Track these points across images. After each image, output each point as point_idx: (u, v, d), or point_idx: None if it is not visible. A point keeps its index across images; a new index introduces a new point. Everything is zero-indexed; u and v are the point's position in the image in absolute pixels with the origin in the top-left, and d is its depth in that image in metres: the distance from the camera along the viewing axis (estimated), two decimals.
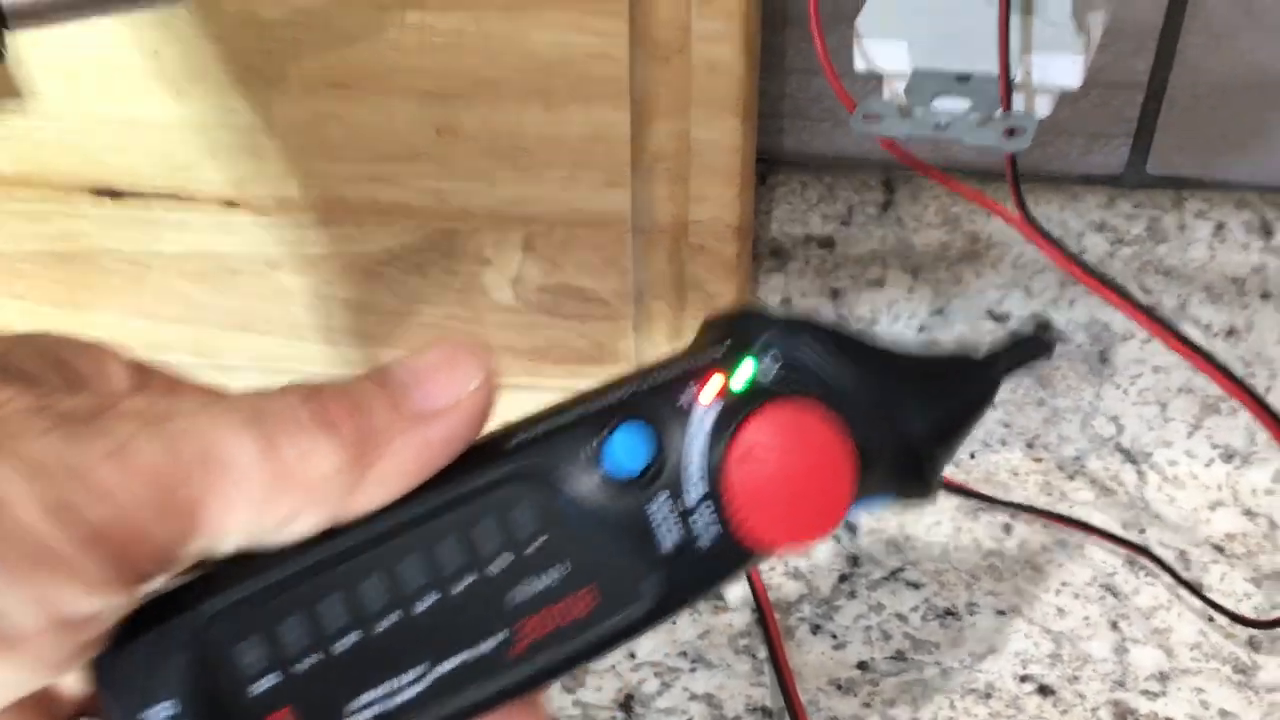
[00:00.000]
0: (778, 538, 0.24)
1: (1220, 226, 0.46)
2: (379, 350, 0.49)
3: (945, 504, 0.49)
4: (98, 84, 0.45)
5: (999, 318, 0.48)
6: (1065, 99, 0.35)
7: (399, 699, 0.23)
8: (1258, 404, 0.33)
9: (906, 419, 0.26)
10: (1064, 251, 0.33)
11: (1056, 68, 0.31)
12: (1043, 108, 0.32)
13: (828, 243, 0.49)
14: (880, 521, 0.48)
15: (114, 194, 0.47)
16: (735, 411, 0.24)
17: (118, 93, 0.45)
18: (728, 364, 0.24)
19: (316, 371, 0.50)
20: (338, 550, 0.22)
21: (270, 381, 0.23)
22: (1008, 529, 0.48)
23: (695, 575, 0.24)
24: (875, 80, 0.35)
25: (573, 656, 0.24)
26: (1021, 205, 0.33)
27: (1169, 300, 0.47)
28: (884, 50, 0.32)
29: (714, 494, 0.24)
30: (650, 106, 0.43)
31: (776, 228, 0.49)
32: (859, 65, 0.33)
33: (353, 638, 0.22)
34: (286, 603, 0.22)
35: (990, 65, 0.30)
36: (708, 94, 0.42)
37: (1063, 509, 0.48)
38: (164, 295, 0.49)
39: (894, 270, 0.48)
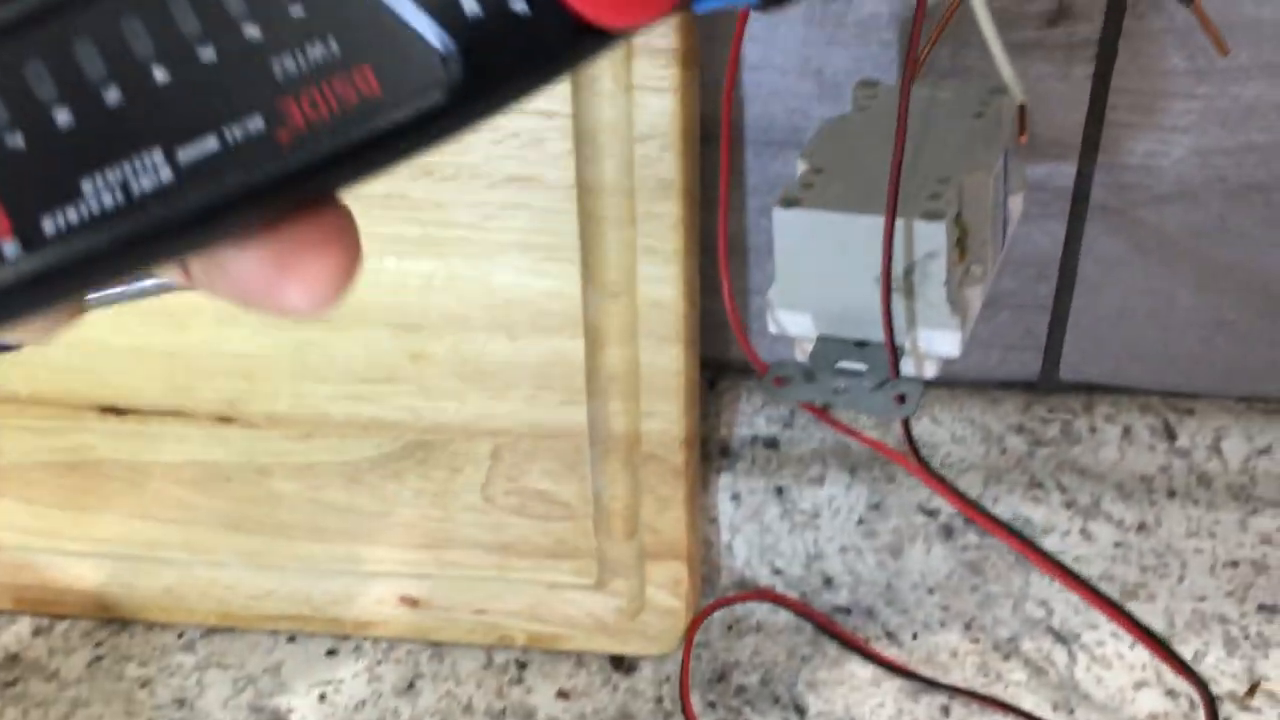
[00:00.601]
0: (607, 8, 0.20)
1: (1128, 430, 0.50)
2: (362, 547, 0.53)
3: (888, 686, 0.53)
4: (109, 318, 0.49)
5: (930, 513, 0.52)
6: (981, 317, 0.40)
7: (141, 185, 0.19)
8: (1122, 616, 0.37)
9: None
10: (955, 491, 0.37)
11: (938, 340, 0.35)
12: (930, 371, 0.36)
13: (772, 443, 0.53)
14: (826, 704, 0.52)
15: (119, 411, 0.52)
16: None
17: (126, 325, 0.50)
18: None
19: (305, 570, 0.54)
20: (37, 7, 0.19)
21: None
22: (946, 710, 0.51)
23: (506, 52, 0.21)
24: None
25: (361, 149, 0.20)
26: (916, 455, 0.37)
27: (1084, 498, 0.51)
28: (793, 319, 0.37)
29: None
30: (602, 336, 0.47)
31: (725, 430, 0.53)
32: (772, 329, 0.38)
33: (65, 115, 0.19)
34: None
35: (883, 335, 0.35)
36: (653, 326, 0.47)
37: (999, 690, 0.52)
38: (162, 499, 0.53)
39: (833, 469, 0.53)
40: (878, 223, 0.33)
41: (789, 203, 0.35)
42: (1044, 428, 0.51)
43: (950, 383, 0.51)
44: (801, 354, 0.38)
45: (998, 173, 0.37)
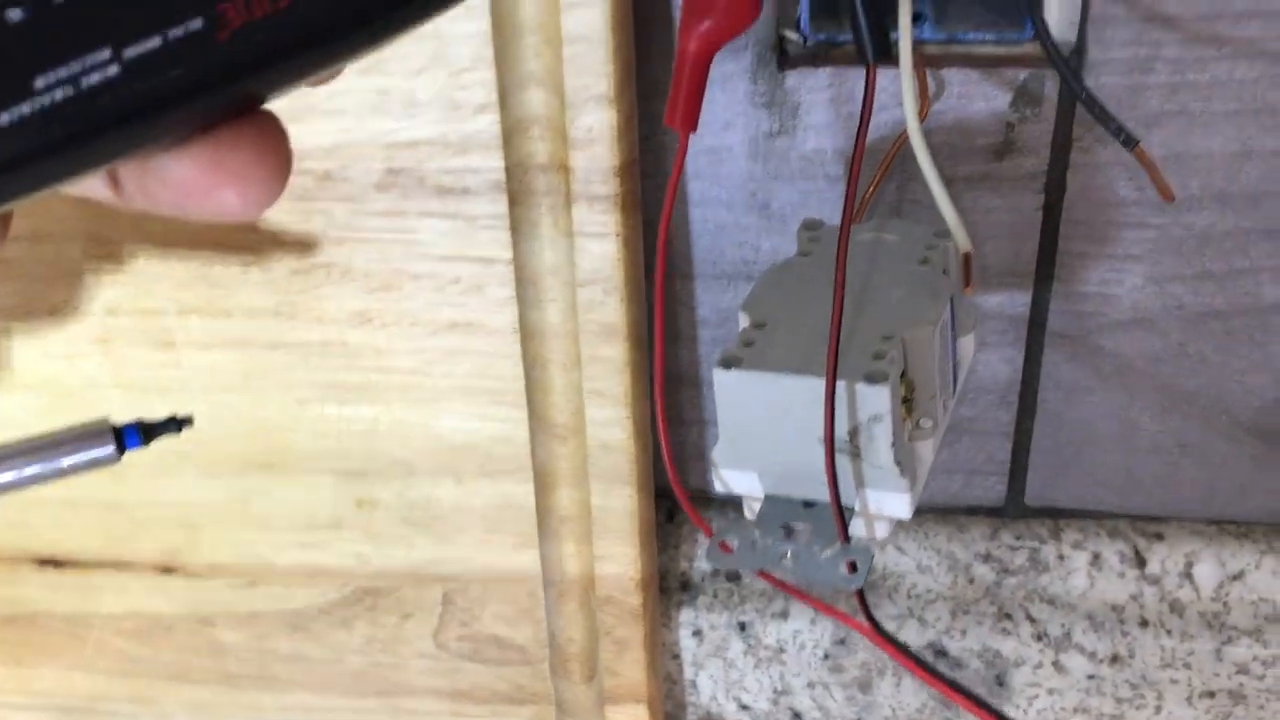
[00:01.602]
0: None
1: (1097, 556, 0.49)
2: (312, 696, 0.51)
3: None
4: None
5: (898, 647, 0.51)
6: (943, 443, 0.39)
7: (90, 80, 0.20)
8: None
9: None
10: (907, 654, 0.36)
11: (887, 502, 0.34)
12: (881, 532, 0.35)
13: (734, 576, 0.51)
14: None
15: (57, 563, 0.50)
16: None
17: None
18: None
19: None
20: None
21: None
22: None
23: None
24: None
25: (292, 50, 0.21)
26: (870, 618, 0.36)
27: (1054, 629, 0.49)
28: (738, 478, 0.36)
29: None
30: (552, 478, 0.46)
31: (685, 563, 0.52)
32: (717, 488, 0.37)
33: (17, 12, 0.20)
34: None
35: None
36: (603, 469, 0.45)
37: None
38: (103, 651, 0.51)
39: (797, 603, 0.51)
40: (819, 385, 0.32)
41: (729, 363, 0.34)
42: (1011, 555, 0.50)
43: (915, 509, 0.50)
44: (750, 511, 0.36)
45: (944, 323, 0.36)
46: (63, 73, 0.20)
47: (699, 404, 0.50)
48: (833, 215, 0.44)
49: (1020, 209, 0.43)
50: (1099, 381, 0.47)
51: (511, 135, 0.40)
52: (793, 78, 0.42)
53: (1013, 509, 0.50)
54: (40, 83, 0.19)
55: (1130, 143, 0.36)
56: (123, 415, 0.47)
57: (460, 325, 0.43)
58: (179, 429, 0.36)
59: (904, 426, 0.35)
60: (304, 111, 0.40)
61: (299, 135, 0.22)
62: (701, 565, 0.52)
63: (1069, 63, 0.40)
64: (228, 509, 0.48)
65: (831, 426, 0.32)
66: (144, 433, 0.36)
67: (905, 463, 0.34)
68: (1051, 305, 0.45)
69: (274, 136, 0.22)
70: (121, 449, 0.36)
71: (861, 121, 0.29)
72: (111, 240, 0.44)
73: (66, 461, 0.36)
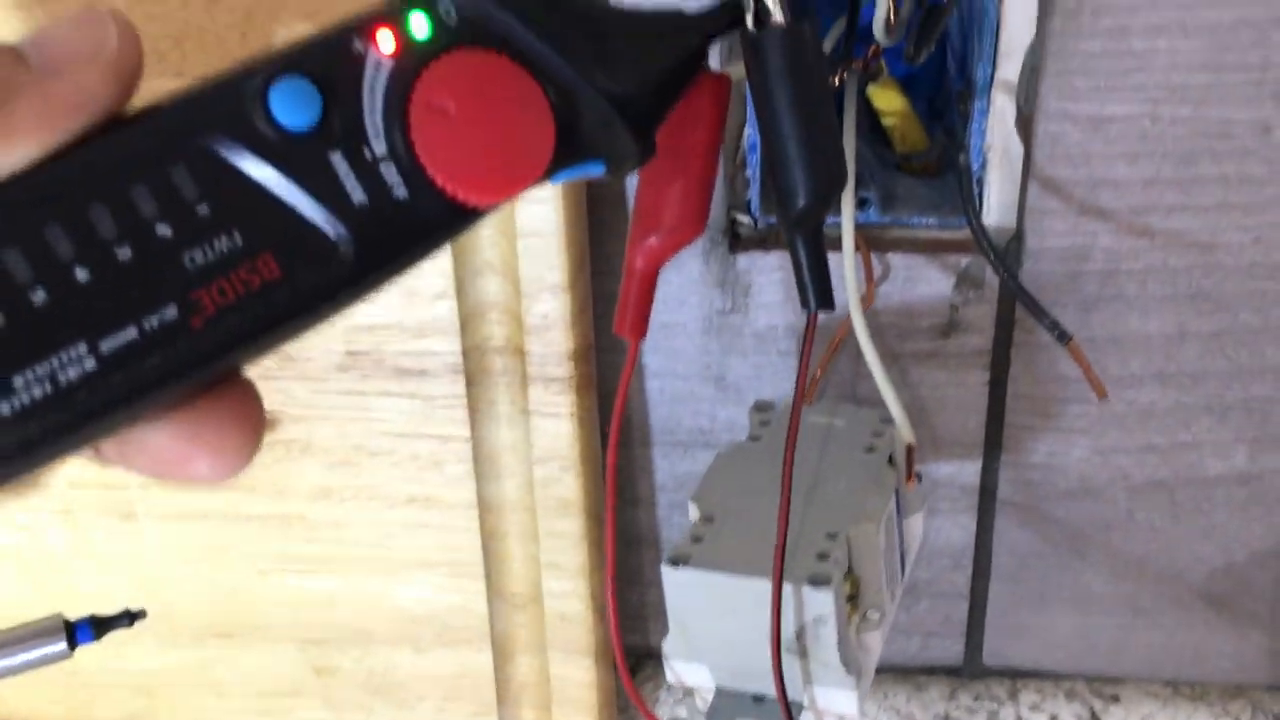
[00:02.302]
0: (472, 190, 0.23)
1: (1054, 718, 0.49)
2: None
3: None
4: None
5: None
6: (900, 605, 0.39)
7: (67, 376, 0.21)
8: None
9: (611, 75, 0.25)
10: None
11: (835, 699, 0.35)
12: None
13: None
14: None
15: None
16: (414, 60, 0.23)
17: None
18: (400, 14, 0.23)
19: None
20: None
21: None
22: None
23: (391, 231, 0.23)
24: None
25: (267, 324, 0.22)
26: None
27: None
28: (689, 670, 0.36)
29: (399, 145, 0.23)
30: (510, 647, 0.46)
31: None
32: (670, 679, 0.37)
33: None
34: None
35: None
36: (562, 639, 0.45)
37: None
38: None
39: None
40: (766, 587, 0.33)
41: (677, 560, 0.35)
42: (969, 716, 0.50)
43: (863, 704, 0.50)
44: (701, 702, 0.37)
45: (889, 516, 0.37)
46: (40, 370, 0.20)
47: (657, 565, 0.50)
48: (785, 387, 0.45)
49: (967, 384, 0.44)
50: (1051, 547, 0.47)
51: (469, 320, 0.41)
52: (744, 259, 0.44)
53: (970, 669, 0.51)
54: (19, 381, 0.20)
55: (1064, 338, 0.38)
56: (84, 585, 0.47)
57: (419, 499, 0.44)
58: (131, 622, 0.36)
59: (850, 622, 0.35)
60: None
61: None
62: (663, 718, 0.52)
63: (1005, 255, 0.42)
64: (187, 676, 0.48)
65: (778, 627, 0.33)
66: (96, 627, 0.36)
67: (851, 661, 0.34)
68: (1001, 474, 0.46)
69: (249, 404, 0.22)
70: (73, 644, 0.36)
71: (802, 360, 0.30)
72: None
73: (19, 659, 0.36)
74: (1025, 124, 0.40)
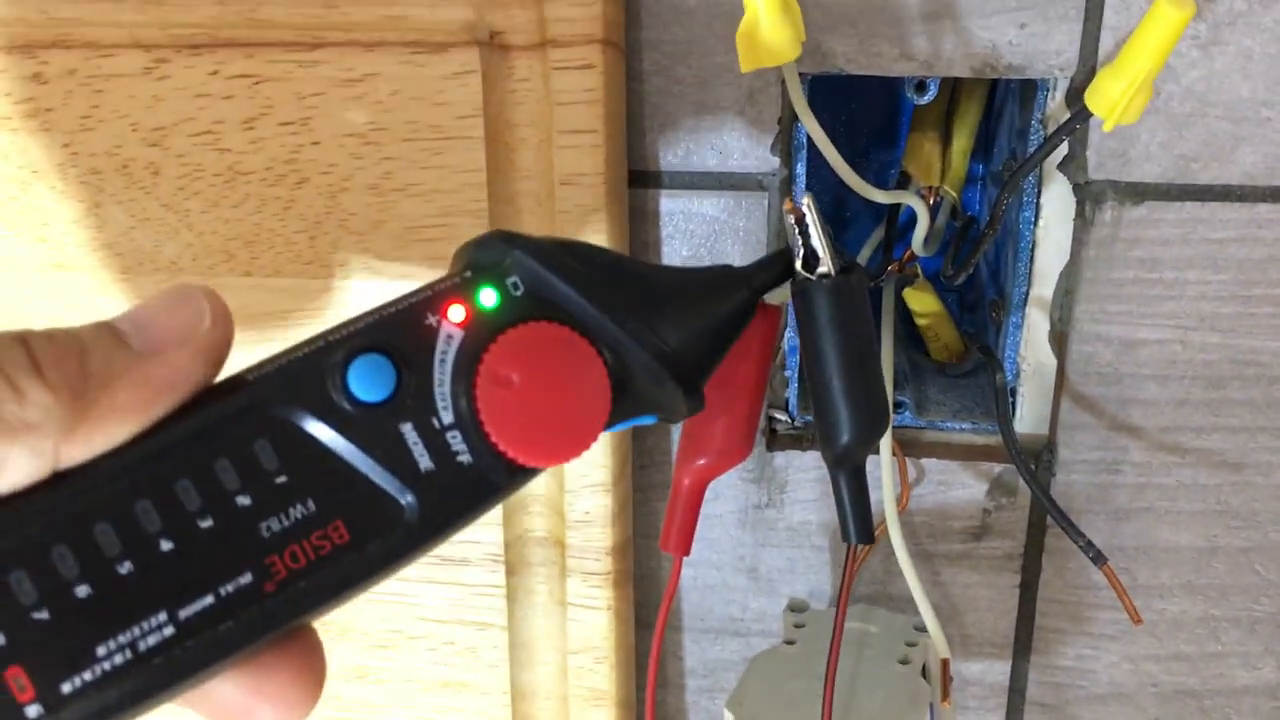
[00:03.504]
0: (534, 456, 0.24)
1: None
2: None
3: None
4: None
5: None
6: None
7: (146, 643, 0.21)
8: None
9: (662, 337, 0.26)
10: None
11: None
12: None
13: None
14: None
15: None
16: (482, 334, 0.24)
17: None
18: (470, 288, 0.25)
19: None
20: (64, 497, 0.21)
21: None
22: None
23: (455, 496, 0.24)
24: None
25: (335, 586, 0.23)
26: None
27: None
28: None
29: (466, 414, 0.24)
30: None
31: None
32: None
33: (84, 589, 0.21)
34: (10, 556, 0.21)
35: None
36: None
37: None
38: None
39: None
40: None
41: None
42: None
43: None
44: None
45: None
46: (123, 639, 0.21)
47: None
48: (817, 580, 0.46)
49: (998, 586, 0.45)
50: (1083, 693, 0.47)
51: (513, 512, 0.42)
52: (780, 457, 0.45)
53: None
54: (101, 650, 0.21)
55: (1099, 560, 0.38)
56: None
57: (453, 684, 0.44)
58: None
59: None
60: None
61: None
62: None
63: (1038, 463, 0.43)
64: None
65: None
66: None
67: None
68: (1030, 675, 0.46)
69: (312, 656, 0.23)
70: None
71: (842, 592, 0.31)
72: None
73: None
74: (1059, 340, 0.42)
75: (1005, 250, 0.44)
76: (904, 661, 0.39)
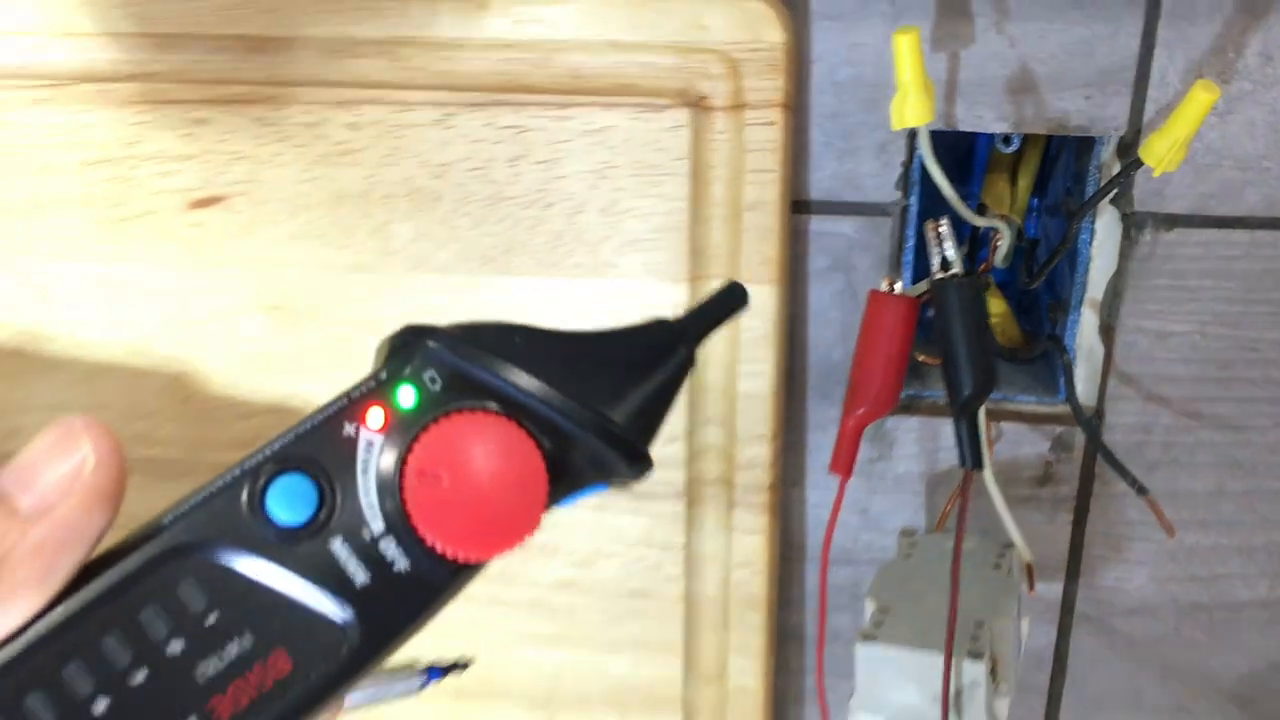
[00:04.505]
0: (475, 548, 0.23)
1: None
2: None
3: None
4: None
5: None
6: None
7: None
8: None
9: (595, 407, 0.25)
10: None
11: None
12: None
13: None
14: None
15: None
16: (404, 435, 0.23)
17: None
18: (388, 389, 0.24)
19: None
20: None
21: None
22: None
23: (396, 605, 0.23)
24: None
25: (284, 715, 0.22)
26: None
27: None
28: None
29: (396, 520, 0.23)
30: (696, 714, 0.59)
31: None
32: None
33: None
34: None
35: None
36: (738, 708, 0.58)
37: None
38: None
39: None
40: (937, 660, 0.46)
41: (867, 638, 0.48)
42: None
43: None
44: None
45: (1015, 613, 0.50)
46: None
47: (803, 656, 0.63)
48: (916, 520, 0.59)
49: (1055, 523, 0.58)
50: (1114, 654, 0.61)
51: (693, 458, 0.55)
52: (890, 421, 0.58)
53: None
54: None
55: (1142, 491, 0.52)
56: None
57: (639, 593, 0.57)
58: (463, 669, 0.49)
59: (991, 689, 0.48)
60: None
61: None
62: None
63: (1093, 426, 0.56)
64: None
65: (948, 689, 0.46)
66: (442, 672, 0.49)
67: (993, 717, 0.48)
68: (1079, 594, 0.60)
69: None
70: (424, 685, 0.49)
71: (962, 495, 0.45)
72: None
73: (383, 690, 0.49)
74: (1107, 333, 0.55)
75: (1062, 265, 0.57)
76: (996, 567, 0.52)
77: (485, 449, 0.24)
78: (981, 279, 0.60)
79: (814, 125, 0.53)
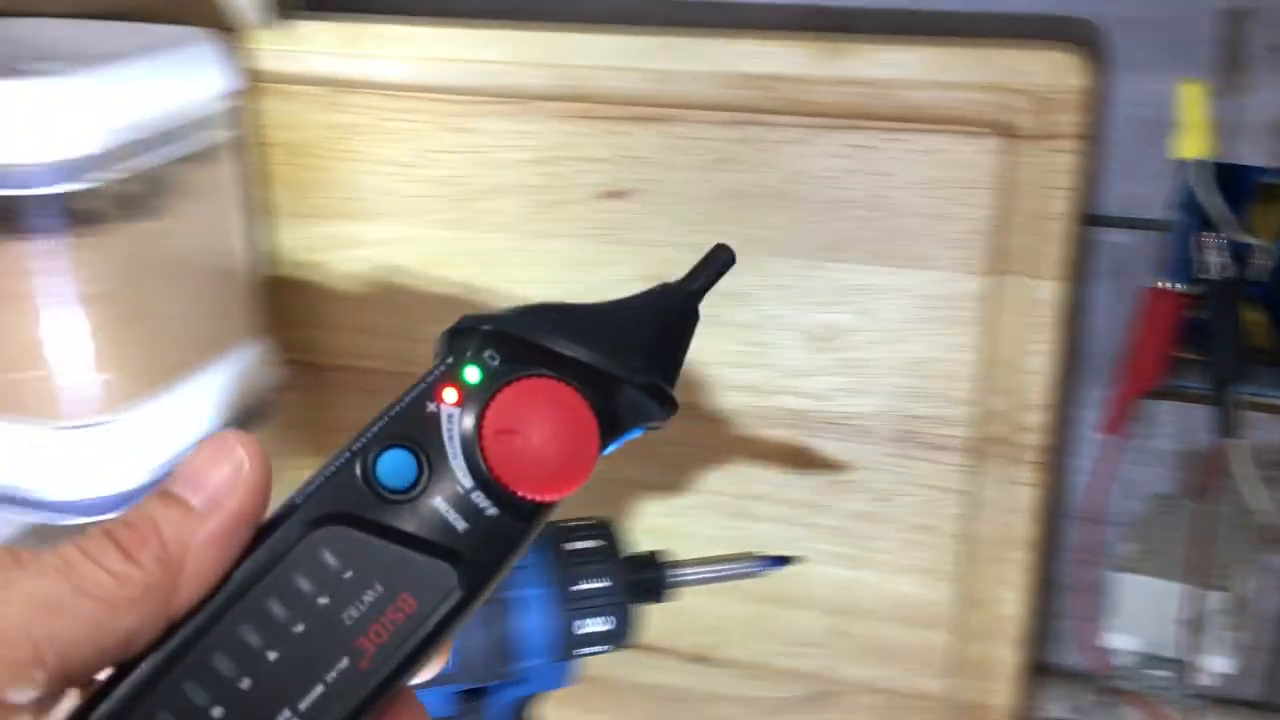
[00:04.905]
0: (548, 490, 0.28)
1: None
2: None
3: None
4: None
5: None
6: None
7: None
8: None
9: (626, 361, 0.29)
10: None
11: (1216, 664, 0.59)
12: (1208, 681, 0.59)
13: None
14: None
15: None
16: (476, 404, 0.28)
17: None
18: (456, 371, 0.28)
19: None
20: (183, 642, 0.25)
21: None
22: None
23: (493, 544, 0.27)
24: None
25: (418, 650, 0.27)
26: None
27: None
28: (1122, 640, 0.61)
29: (483, 474, 0.27)
30: (965, 630, 0.71)
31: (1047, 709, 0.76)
32: (1107, 644, 0.61)
33: (219, 711, 0.24)
34: (154, 701, 0.25)
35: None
36: (998, 630, 0.71)
37: None
38: (641, 712, 0.78)
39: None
40: (1184, 589, 0.58)
41: (1124, 568, 0.60)
42: None
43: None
44: (1124, 661, 0.61)
45: (1253, 568, 0.61)
46: None
47: (1061, 601, 0.75)
48: (1166, 490, 0.70)
49: None
50: None
51: (982, 421, 0.68)
52: (1152, 403, 0.69)
53: (1271, 704, 0.73)
54: None
55: None
56: None
57: (928, 528, 0.70)
58: (790, 563, 0.63)
59: (1227, 622, 0.59)
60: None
61: None
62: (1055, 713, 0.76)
63: None
64: (747, 624, 0.75)
65: (1191, 613, 0.57)
66: (774, 562, 0.63)
67: (1232, 641, 0.58)
68: None
69: (417, 715, 0.27)
70: (760, 570, 0.63)
71: (1210, 484, 0.56)
72: None
73: (730, 569, 0.63)
74: None
75: None
76: (1239, 528, 0.63)
77: (544, 408, 0.29)
78: (1240, 287, 0.71)
79: (1106, 153, 0.65)
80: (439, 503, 0.27)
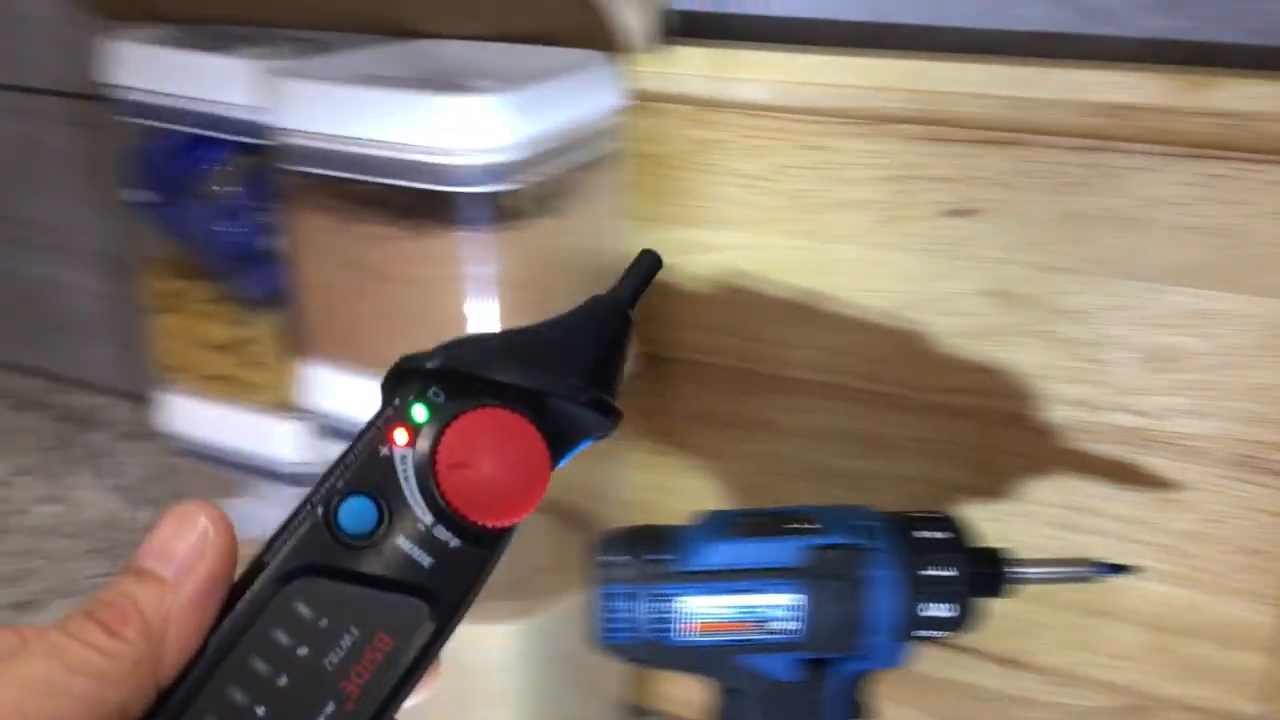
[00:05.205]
0: (505, 516, 0.29)
1: None
2: None
3: None
4: None
5: None
6: None
7: None
8: None
9: (566, 380, 0.30)
10: None
11: None
12: None
13: None
14: None
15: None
16: (427, 442, 0.28)
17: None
18: (403, 412, 0.29)
19: None
20: (174, 708, 0.26)
21: None
22: None
23: (461, 573, 0.28)
24: None
25: (399, 684, 0.27)
26: None
27: None
28: None
29: (441, 508, 0.28)
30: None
31: None
32: None
33: None
34: None
35: None
36: None
37: None
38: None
39: None
40: None
41: None
42: None
43: None
44: None
45: None
46: None
47: None
48: None
49: None
50: None
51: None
52: None
53: None
54: None
55: None
56: None
57: (1256, 550, 0.71)
58: (1133, 571, 0.64)
59: None
60: None
61: None
62: None
63: None
64: (1065, 632, 0.77)
65: None
66: (1110, 569, 0.65)
67: None
68: None
69: None
70: (1093, 576, 0.65)
71: None
72: None
73: (1067, 571, 0.65)
74: None
75: None
76: None
77: (492, 438, 0.29)
78: None
79: None
80: (402, 541, 0.28)
